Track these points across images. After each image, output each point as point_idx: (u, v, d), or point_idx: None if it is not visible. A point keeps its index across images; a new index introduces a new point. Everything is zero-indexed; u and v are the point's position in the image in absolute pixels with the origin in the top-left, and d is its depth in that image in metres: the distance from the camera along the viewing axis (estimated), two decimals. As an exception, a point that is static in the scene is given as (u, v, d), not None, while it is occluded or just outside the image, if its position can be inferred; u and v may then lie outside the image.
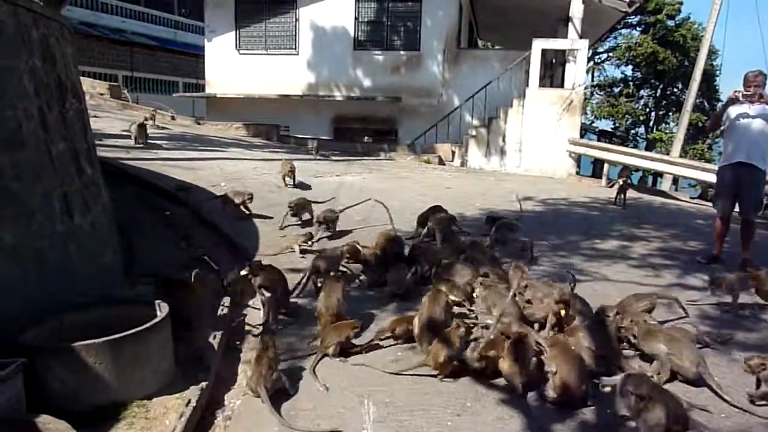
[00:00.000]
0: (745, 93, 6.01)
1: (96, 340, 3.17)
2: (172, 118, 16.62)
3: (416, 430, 3.09)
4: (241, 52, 17.80)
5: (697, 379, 3.59)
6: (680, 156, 17.24)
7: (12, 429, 2.66)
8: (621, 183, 9.87)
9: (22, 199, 3.79)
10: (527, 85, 13.77)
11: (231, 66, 17.80)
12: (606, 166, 13.04)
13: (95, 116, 11.47)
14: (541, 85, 14.07)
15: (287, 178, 8.84)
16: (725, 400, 3.42)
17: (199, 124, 16.61)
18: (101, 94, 17.44)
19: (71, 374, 3.13)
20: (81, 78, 5.63)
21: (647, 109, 30.22)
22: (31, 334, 3.33)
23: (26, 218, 3.82)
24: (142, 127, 10.80)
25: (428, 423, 3.15)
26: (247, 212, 7.18)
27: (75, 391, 3.15)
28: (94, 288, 4.30)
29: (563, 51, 14.54)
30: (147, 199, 7.44)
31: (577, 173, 13.89)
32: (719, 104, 6.39)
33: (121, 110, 16.50)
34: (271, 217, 7.26)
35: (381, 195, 8.80)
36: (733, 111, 6.12)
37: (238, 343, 4.35)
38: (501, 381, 3.62)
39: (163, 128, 13.92)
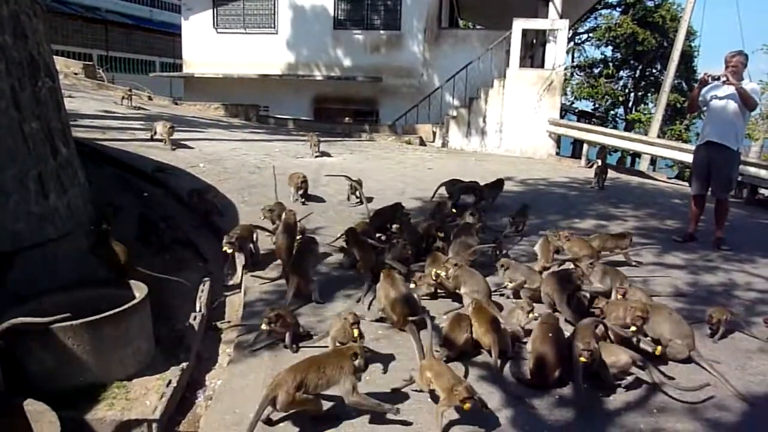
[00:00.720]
0: (713, 75, 6.11)
1: (74, 322, 3.15)
2: (150, 98, 16.36)
3: (395, 408, 3.12)
4: (219, 30, 17.51)
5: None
6: (658, 136, 17.43)
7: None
8: (598, 165, 9.99)
9: (-5, 180, 3.73)
10: (508, 66, 13.77)
11: (209, 45, 17.51)
12: (585, 146, 13.15)
13: (70, 96, 11.26)
14: (522, 65, 14.09)
15: (299, 191, 7.11)
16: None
17: (176, 104, 16.37)
18: (75, 74, 17.06)
19: (50, 356, 3.12)
20: (54, 57, 5.50)
21: (626, 90, 30.43)
22: (9, 316, 3.29)
23: (1, 199, 3.75)
24: (171, 128, 9.23)
25: (408, 402, 3.18)
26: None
27: (54, 372, 3.13)
28: (72, 269, 4.25)
29: (544, 31, 14.54)
30: (124, 180, 7.34)
31: (557, 154, 13.99)
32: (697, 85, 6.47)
33: (96, 90, 16.18)
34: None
35: (361, 176, 8.80)
36: (707, 92, 6.21)
37: (218, 324, 4.36)
38: (479, 359, 3.68)
39: (139, 108, 13.69)
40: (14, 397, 2.79)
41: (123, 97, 13.78)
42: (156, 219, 5.80)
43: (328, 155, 10.50)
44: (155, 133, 9.28)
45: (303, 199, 7.09)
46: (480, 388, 3.20)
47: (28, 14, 4.52)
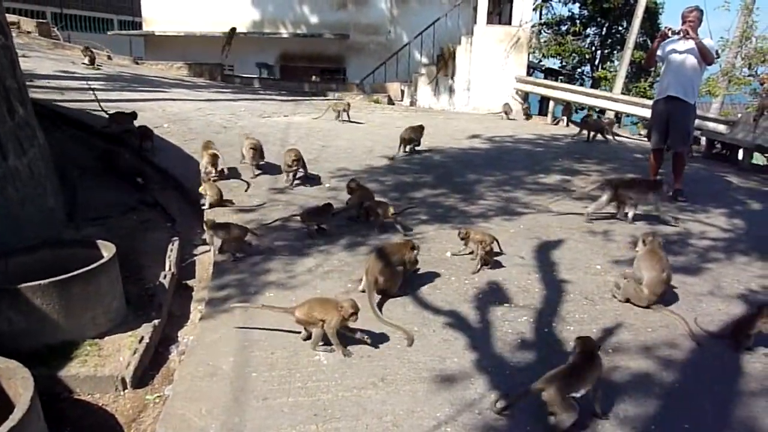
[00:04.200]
0: (674, 30, 6.22)
1: (42, 281, 3.15)
2: (109, 57, 15.81)
3: (366, 354, 3.24)
4: (180, -14, 16.91)
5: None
6: (623, 93, 17.63)
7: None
8: (588, 121, 10.38)
9: (-49, 141, 3.63)
10: (475, 23, 13.68)
11: (170, 2, 16.91)
12: (551, 103, 13.26)
13: (24, 56, 10.81)
14: (489, 22, 14.02)
15: (290, 174, 6.26)
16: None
17: (137, 64, 15.88)
18: (29, 32, 16.36)
19: (19, 315, 3.12)
20: (6, 15, 5.29)
21: (593, 48, 30.50)
22: (-26, 277, 3.28)
23: (-43, 160, 3.67)
24: (255, 149, 6.54)
25: (376, 348, 3.30)
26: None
27: (24, 331, 3.15)
28: (37, 231, 4.21)
29: (511, -13, 14.43)
30: (86, 141, 7.19)
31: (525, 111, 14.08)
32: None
33: (52, 49, 15.57)
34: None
35: (329, 135, 8.79)
36: (667, 47, 6.32)
37: (188, 282, 4.39)
38: (445, 307, 3.81)
39: (98, 68, 13.25)
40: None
41: (87, 57, 13.18)
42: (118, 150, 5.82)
43: (359, 123, 10.20)
44: (288, 164, 6.27)
45: (296, 182, 6.25)
46: (446, 333, 3.33)
47: (-25, -33, 4.33)
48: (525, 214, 5.70)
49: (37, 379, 2.52)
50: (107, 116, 7.55)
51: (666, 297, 3.92)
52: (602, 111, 19.22)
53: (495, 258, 4.49)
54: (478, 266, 4.33)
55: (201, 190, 5.54)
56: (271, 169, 6.64)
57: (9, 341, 3.09)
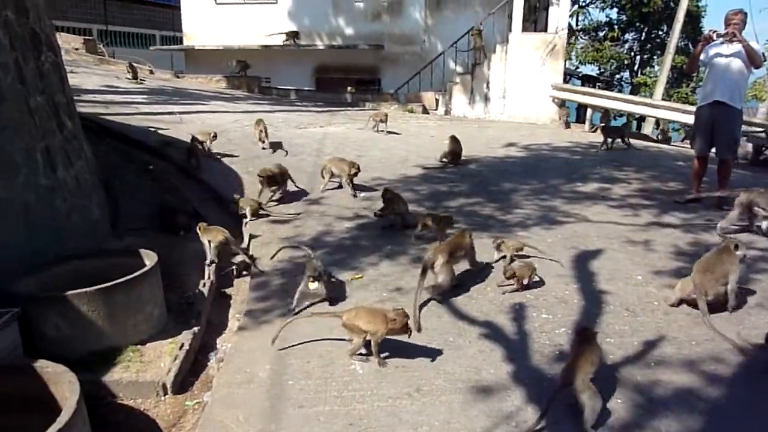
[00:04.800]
0: (719, 33, 6.04)
1: (88, 289, 3.26)
2: (151, 72, 16.29)
3: (401, 365, 3.24)
4: (218, 1, 17.32)
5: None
6: (663, 99, 17.26)
7: (11, 374, 2.76)
8: (604, 127, 10.10)
9: (5, 153, 3.79)
10: (510, 30, 13.60)
11: (209, 17, 17.33)
12: (589, 111, 13.06)
13: (72, 72, 11.22)
14: (524, 29, 13.91)
15: (350, 184, 6.39)
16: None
17: (178, 77, 16.32)
18: (76, 49, 17.01)
19: (65, 322, 3.23)
20: (55, 33, 5.51)
21: (632, 53, 29.96)
22: (24, 284, 3.41)
23: (11, 172, 3.83)
24: (353, 169, 6.42)
25: (411, 358, 3.30)
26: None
27: (70, 337, 3.25)
28: (82, 241, 4.35)
29: (547, -6, 14.31)
30: (129, 154, 7.40)
31: (559, 118, 13.90)
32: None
33: (97, 65, 16.15)
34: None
35: (365, 145, 8.85)
36: (711, 51, 6.15)
37: (227, 290, 4.47)
38: (481, 317, 3.78)
39: (141, 82, 13.67)
40: (32, 359, 2.90)
41: (131, 72, 13.69)
42: (177, 205, 5.79)
43: (395, 133, 10.20)
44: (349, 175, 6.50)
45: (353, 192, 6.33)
46: (482, 344, 3.30)
47: (27, -12, 4.53)
48: (562, 223, 5.61)
49: (82, 384, 2.60)
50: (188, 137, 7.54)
51: (714, 308, 3.80)
52: (642, 118, 18.87)
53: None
54: (512, 286, 4.15)
55: (241, 203, 5.65)
56: (307, 180, 6.72)
57: (56, 347, 3.20)
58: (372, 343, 3.23)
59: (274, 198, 6.13)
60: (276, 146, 8.21)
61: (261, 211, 5.68)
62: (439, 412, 2.84)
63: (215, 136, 7.63)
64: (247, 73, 15.67)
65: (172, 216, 5.41)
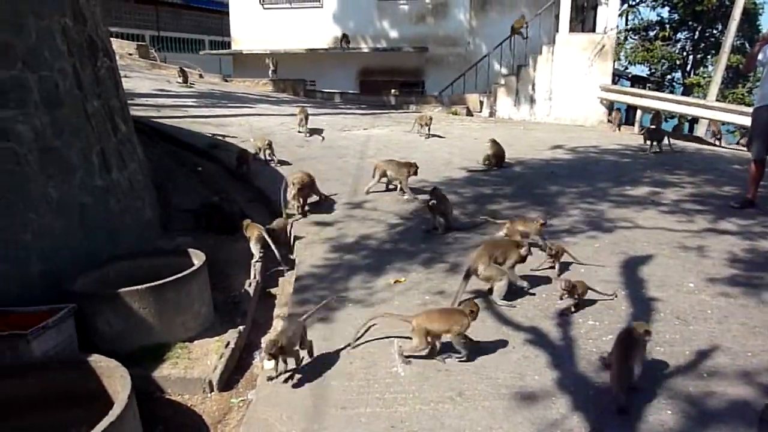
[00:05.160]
0: None
1: (140, 287, 3.37)
2: (200, 76, 16.72)
3: (443, 368, 3.22)
4: (266, 6, 17.66)
5: None
6: (718, 100, 16.64)
7: (68, 368, 2.88)
8: (648, 129, 9.76)
9: (63, 156, 3.96)
10: (557, 31, 13.38)
11: (256, 21, 17.70)
12: (639, 112, 12.71)
13: (126, 76, 11.62)
14: (572, 30, 13.66)
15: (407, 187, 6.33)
16: None
17: (226, 81, 16.70)
18: (130, 55, 17.62)
19: (119, 318, 3.35)
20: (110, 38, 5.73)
21: (684, 53, 28.97)
22: (79, 282, 3.55)
23: (69, 174, 3.99)
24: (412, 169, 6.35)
25: (454, 362, 3.27)
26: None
27: (122, 333, 3.37)
28: (134, 241, 4.50)
29: (595, -7, 14.03)
30: (179, 155, 7.62)
31: (609, 121, 13.59)
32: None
33: (150, 70, 16.68)
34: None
35: (408, 147, 8.85)
36: (769, 51, 5.90)
37: (272, 290, 4.54)
38: (525, 323, 3.72)
39: (191, 86, 14.06)
40: (86, 354, 3.02)
41: (181, 76, 14.16)
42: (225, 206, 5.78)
43: (439, 136, 10.04)
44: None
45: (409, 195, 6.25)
46: (527, 350, 3.25)
47: (85, -4, 4.73)
48: (610, 228, 5.47)
49: (133, 378, 2.69)
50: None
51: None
52: (695, 119, 18.24)
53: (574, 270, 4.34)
54: (568, 308, 3.88)
55: (248, 231, 4.97)
56: (352, 182, 6.76)
57: (108, 342, 3.33)
58: (454, 340, 3.24)
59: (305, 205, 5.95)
60: (314, 132, 8.96)
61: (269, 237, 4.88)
62: (481, 417, 2.81)
63: (270, 144, 7.60)
64: (288, 76, 15.93)
65: (220, 217, 5.53)
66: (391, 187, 6.54)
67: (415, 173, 6.35)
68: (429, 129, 9.87)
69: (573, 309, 3.85)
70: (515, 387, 3.04)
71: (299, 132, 9.08)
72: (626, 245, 5.03)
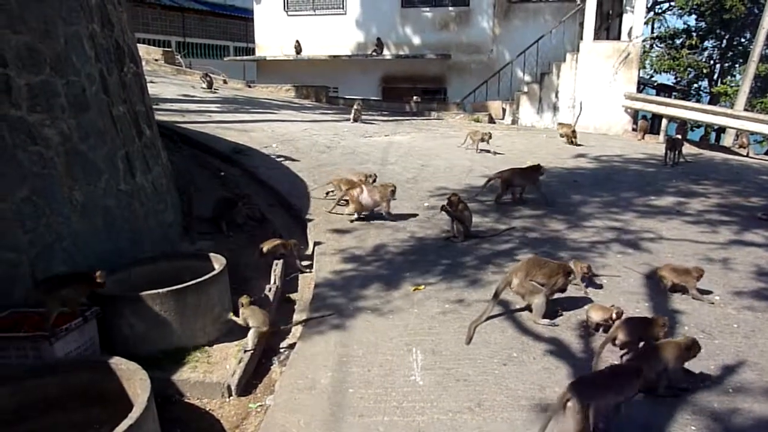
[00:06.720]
0: None
1: (161, 290, 3.40)
2: (224, 81, 16.90)
3: (462, 378, 3.19)
4: (290, 13, 17.80)
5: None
6: (745, 110, 16.33)
7: (89, 369, 2.91)
8: (669, 138, 9.58)
9: (89, 160, 4.02)
10: (581, 39, 13.27)
11: (280, 28, 17.85)
12: (664, 121, 12.53)
13: (151, 81, 11.82)
14: (596, 37, 13.53)
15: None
16: None
17: (250, 87, 16.85)
18: (156, 60, 17.87)
19: (140, 321, 3.38)
20: (136, 44, 5.82)
21: (711, 62, 28.52)
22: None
23: (94, 177, 4.05)
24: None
25: (474, 371, 3.25)
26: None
27: (143, 336, 3.40)
28: (157, 244, 4.55)
29: (620, 1, 13.87)
30: (202, 160, 7.70)
31: (633, 129, 13.41)
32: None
33: (175, 75, 16.91)
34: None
35: (428, 154, 8.84)
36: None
37: (291, 296, 4.55)
38: (546, 333, 3.67)
39: (215, 92, 14.22)
40: (107, 356, 3.05)
41: (206, 81, 14.31)
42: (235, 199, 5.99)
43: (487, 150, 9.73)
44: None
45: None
46: (547, 361, 3.19)
47: (113, 3, 4.81)
48: (634, 239, 5.39)
49: (152, 381, 2.70)
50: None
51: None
52: (722, 129, 17.91)
53: (599, 280, 4.27)
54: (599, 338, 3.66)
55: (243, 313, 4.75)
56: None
57: (129, 345, 3.36)
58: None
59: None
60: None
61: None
62: (501, 429, 2.78)
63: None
64: (311, 82, 16.04)
65: (235, 210, 5.65)
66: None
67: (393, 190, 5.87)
68: (488, 144, 9.33)
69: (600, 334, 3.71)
70: (535, 399, 3.00)
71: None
72: (650, 256, 4.95)
